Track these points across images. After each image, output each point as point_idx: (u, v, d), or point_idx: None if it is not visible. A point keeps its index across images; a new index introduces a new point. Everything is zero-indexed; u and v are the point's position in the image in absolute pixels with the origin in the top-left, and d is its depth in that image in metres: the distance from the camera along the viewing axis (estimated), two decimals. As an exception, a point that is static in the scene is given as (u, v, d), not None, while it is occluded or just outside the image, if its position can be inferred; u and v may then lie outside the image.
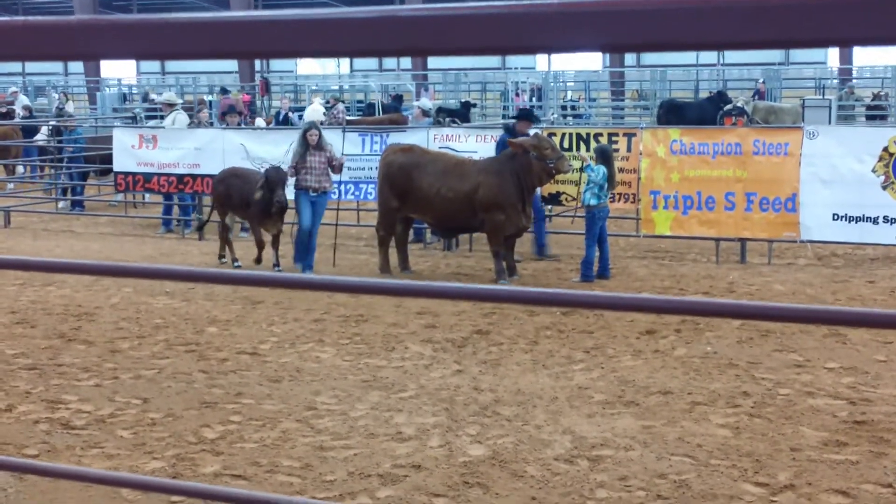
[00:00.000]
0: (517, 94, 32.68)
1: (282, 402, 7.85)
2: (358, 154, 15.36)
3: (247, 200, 13.13)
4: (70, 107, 32.31)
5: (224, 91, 33.70)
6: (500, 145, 13.42)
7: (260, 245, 13.26)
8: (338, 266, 13.57)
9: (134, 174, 16.71)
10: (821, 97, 28.59)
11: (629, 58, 49.66)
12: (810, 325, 9.53)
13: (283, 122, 23.39)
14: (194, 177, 16.29)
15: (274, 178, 12.82)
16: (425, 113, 19.24)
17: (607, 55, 46.44)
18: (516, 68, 45.38)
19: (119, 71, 52.67)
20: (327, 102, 26.20)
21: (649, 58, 50.63)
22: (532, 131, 13.22)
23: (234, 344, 9.60)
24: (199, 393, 8.10)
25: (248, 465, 6.58)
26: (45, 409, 7.74)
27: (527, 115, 14.24)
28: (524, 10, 1.28)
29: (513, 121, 14.85)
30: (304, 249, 13.05)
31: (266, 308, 11.00)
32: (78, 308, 11.07)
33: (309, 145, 12.94)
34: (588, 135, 14.36)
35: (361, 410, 7.62)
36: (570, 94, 37.36)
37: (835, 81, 36.10)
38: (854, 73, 38.44)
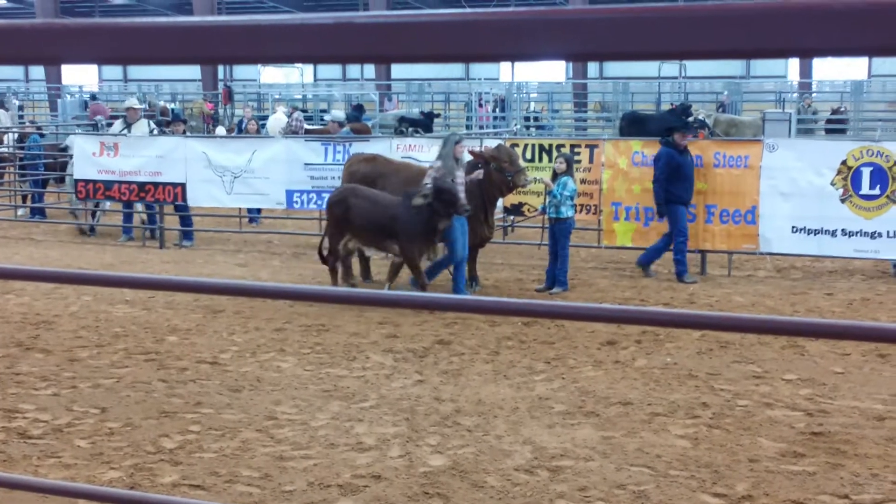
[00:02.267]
0: (480, 105, 32.73)
1: (242, 411, 7.81)
2: (320, 163, 15.35)
3: (382, 226, 11.49)
4: (2, 116, 30.79)
5: (93, 97, 34.09)
6: (660, 159, 13.19)
7: (424, 286, 11.58)
8: (300, 275, 13.54)
9: (94, 182, 16.60)
10: (781, 111, 28.82)
11: (592, 70, 49.91)
12: (769, 335, 9.61)
13: (245, 130, 23.31)
14: (156, 185, 16.21)
15: (451, 189, 11.30)
16: (340, 125, 19.52)
17: (570, 67, 46.66)
18: (480, 79, 45.46)
19: (80, 78, 52.31)
20: (290, 112, 26.11)
21: (612, 70, 50.91)
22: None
23: (195, 353, 9.54)
24: (158, 402, 8.04)
25: (207, 475, 6.54)
26: (1, 418, 7.65)
27: (683, 126, 13.70)
28: (485, 18, 1.28)
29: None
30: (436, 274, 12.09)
31: (227, 317, 10.94)
32: (36, 316, 10.97)
33: (457, 160, 11.97)
34: (550, 146, 14.42)
35: (322, 420, 7.60)
36: (533, 105, 37.46)
37: (795, 95, 36.44)
38: (814, 87, 38.82)
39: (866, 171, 12.87)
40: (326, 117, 22.86)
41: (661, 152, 13.23)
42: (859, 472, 6.54)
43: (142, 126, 17.31)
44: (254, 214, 18.34)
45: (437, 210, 11.21)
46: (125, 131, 17.10)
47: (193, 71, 45.29)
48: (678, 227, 13.12)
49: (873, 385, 8.45)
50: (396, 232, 11.40)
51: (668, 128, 13.76)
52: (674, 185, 12.98)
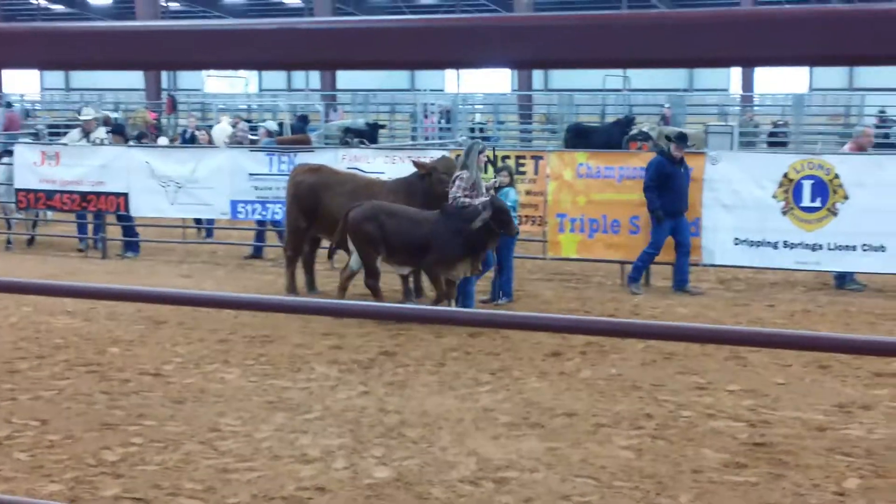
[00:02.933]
0: (426, 116, 32.74)
1: (185, 423, 7.74)
2: (265, 174, 15.28)
3: (420, 243, 11.11)
4: None
5: (9, 105, 33.95)
6: (650, 167, 13.15)
7: (448, 295, 11.30)
8: (245, 286, 13.45)
9: (36, 191, 16.41)
10: (723, 124, 29.10)
11: (537, 81, 50.13)
12: (711, 346, 9.68)
13: (189, 140, 23.13)
14: (98, 194, 16.05)
15: (507, 209, 11.23)
16: (269, 134, 19.53)
17: (515, 79, 46.85)
18: (425, 90, 45.50)
19: (21, 86, 51.65)
20: (235, 122, 25.93)
21: (557, 82, 51.19)
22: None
23: (137, 364, 9.44)
24: (99, 414, 7.94)
25: (150, 488, 6.46)
26: (-62, 430, 7.52)
27: (680, 138, 13.64)
28: (434, 24, 1.27)
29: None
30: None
31: (170, 328, 10.84)
32: (-26, 327, 10.81)
33: (478, 168, 11.81)
34: (496, 157, 14.45)
35: (266, 432, 7.54)
36: (478, 116, 37.50)
37: (737, 108, 36.81)
38: (756, 101, 39.24)
39: (807, 184, 13.03)
40: (262, 125, 22.59)
41: (652, 161, 13.29)
42: (801, 482, 6.60)
43: (100, 136, 17.16)
44: (205, 225, 18.11)
45: (491, 228, 11.01)
46: (83, 141, 16.92)
47: (137, 80, 44.91)
48: (655, 238, 13.14)
49: (814, 396, 8.54)
50: (429, 248, 11.08)
51: (667, 136, 13.69)
52: (661, 195, 12.99)
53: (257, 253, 16.28)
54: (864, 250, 12.86)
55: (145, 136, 22.31)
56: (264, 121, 26.28)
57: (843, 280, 13.48)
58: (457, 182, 11.57)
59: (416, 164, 12.51)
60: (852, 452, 7.13)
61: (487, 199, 11.22)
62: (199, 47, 1.37)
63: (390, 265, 11.58)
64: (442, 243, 11.03)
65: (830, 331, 10.97)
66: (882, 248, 12.79)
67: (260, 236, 16.52)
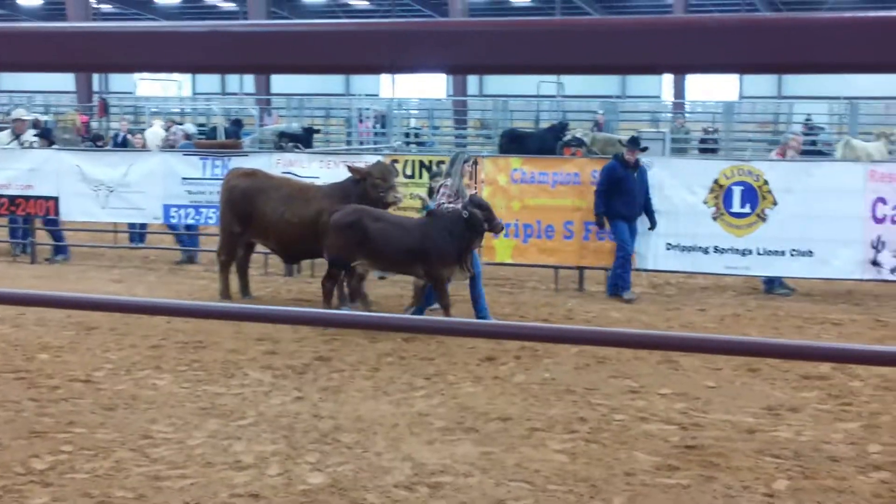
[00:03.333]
0: (361, 121, 32.71)
1: (116, 430, 7.64)
2: (198, 178, 15.15)
3: (410, 249, 10.99)
4: None
5: None
6: (604, 172, 13.18)
7: (448, 307, 11.11)
8: (177, 291, 13.32)
9: (-39, 195, 16.13)
10: (656, 130, 29.40)
11: (472, 87, 50.26)
12: (644, 350, 9.76)
13: (121, 144, 22.85)
14: (27, 198, 15.81)
15: (489, 206, 11.27)
16: (187, 137, 19.63)
17: (450, 84, 46.94)
18: (360, 95, 45.43)
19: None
20: (168, 126, 25.70)
21: (492, 87, 51.34)
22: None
23: (67, 371, 9.31)
24: (28, 422, 7.82)
25: (79, 497, 6.38)
26: None
27: (633, 143, 13.67)
28: (367, 28, 1.27)
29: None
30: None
31: (101, 334, 10.70)
32: None
33: (462, 177, 11.79)
34: (430, 162, 14.48)
35: (199, 438, 7.48)
36: (413, 121, 37.56)
37: (669, 115, 37.22)
38: (687, 108, 39.69)
39: (737, 190, 13.21)
40: (177, 128, 22.32)
41: (606, 165, 13.38)
42: (731, 484, 6.68)
43: (28, 139, 16.89)
44: (137, 230, 17.78)
45: (476, 226, 11.02)
46: (13, 144, 16.64)
47: (67, 82, 44.34)
48: (619, 240, 13.18)
49: (744, 399, 8.65)
50: (427, 254, 10.96)
51: (619, 140, 13.76)
52: (613, 199, 13.05)
53: (190, 258, 16.15)
54: (793, 255, 13.06)
55: (100, 138, 22.05)
56: (203, 126, 26.14)
57: (772, 284, 13.67)
58: (441, 190, 11.71)
59: (350, 168, 12.47)
60: (781, 454, 7.23)
61: (466, 200, 11.25)
62: (131, 49, 1.36)
63: (373, 269, 11.61)
64: (437, 249, 10.96)
65: (760, 335, 11.12)
66: (809, 253, 13.00)
67: (193, 241, 16.38)
